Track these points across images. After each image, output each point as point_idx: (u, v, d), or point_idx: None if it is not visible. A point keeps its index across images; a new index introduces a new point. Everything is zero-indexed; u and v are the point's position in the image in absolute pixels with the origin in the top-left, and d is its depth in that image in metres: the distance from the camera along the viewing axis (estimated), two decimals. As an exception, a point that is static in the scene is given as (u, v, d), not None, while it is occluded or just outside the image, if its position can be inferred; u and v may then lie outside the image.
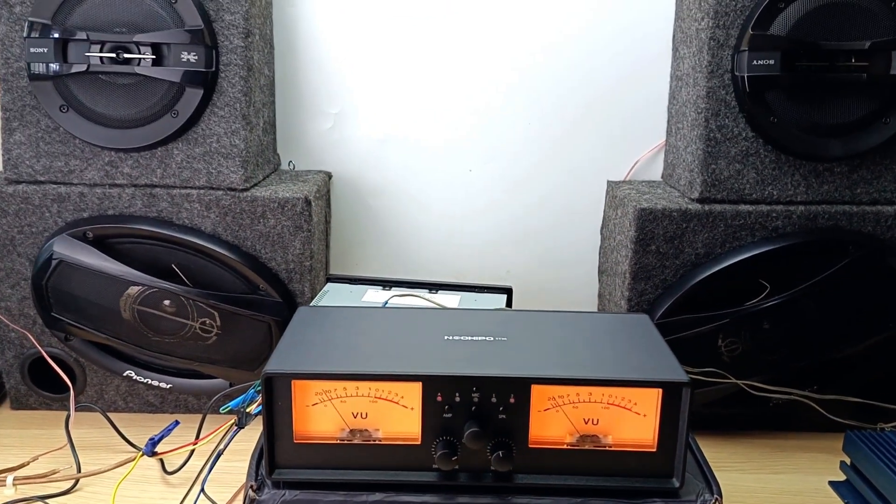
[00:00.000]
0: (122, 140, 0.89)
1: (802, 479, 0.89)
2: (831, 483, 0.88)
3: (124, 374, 0.97)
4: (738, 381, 0.92)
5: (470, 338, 0.69)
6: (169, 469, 0.88)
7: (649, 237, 0.89)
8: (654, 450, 0.63)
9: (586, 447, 0.64)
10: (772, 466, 0.92)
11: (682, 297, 0.91)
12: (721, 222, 0.89)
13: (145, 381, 0.98)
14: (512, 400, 0.62)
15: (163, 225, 0.91)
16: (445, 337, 0.69)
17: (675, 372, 0.63)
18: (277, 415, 0.63)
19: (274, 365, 0.63)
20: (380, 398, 0.63)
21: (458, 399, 0.62)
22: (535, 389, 0.62)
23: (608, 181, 1.03)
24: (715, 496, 0.63)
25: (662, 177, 1.04)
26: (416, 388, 0.62)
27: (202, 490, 0.70)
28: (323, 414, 0.64)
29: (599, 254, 1.07)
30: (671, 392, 0.62)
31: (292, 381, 0.62)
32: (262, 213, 0.91)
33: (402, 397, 0.63)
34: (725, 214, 0.88)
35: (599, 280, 1.07)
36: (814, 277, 0.89)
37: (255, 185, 0.93)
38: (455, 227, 1.09)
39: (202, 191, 0.90)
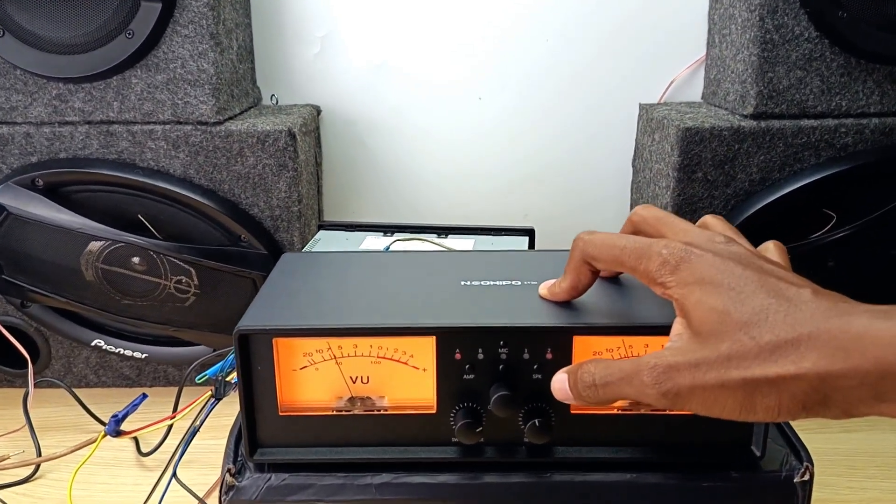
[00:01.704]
0: (69, 68, 0.76)
1: (879, 437, 0.78)
2: (913, 441, 0.76)
3: (93, 344, 0.86)
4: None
5: (492, 283, 0.56)
6: (144, 450, 0.76)
7: (695, 163, 0.76)
8: (728, 411, 0.51)
9: (641, 412, 0.51)
10: (841, 425, 0.80)
11: (733, 232, 0.77)
12: (780, 141, 0.75)
13: (117, 350, 0.86)
14: (549, 356, 0.50)
15: (124, 168, 0.79)
16: (462, 282, 0.57)
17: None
18: (257, 382, 0.51)
19: (250, 320, 0.50)
20: (384, 358, 0.51)
21: (481, 356, 0.50)
22: (579, 342, 0.50)
23: (640, 104, 0.90)
24: (805, 464, 0.51)
25: (703, 97, 0.90)
26: (429, 343, 0.50)
27: (174, 475, 0.58)
28: (314, 379, 0.52)
29: (631, 190, 0.94)
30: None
31: (274, 340, 0.50)
32: (240, 151, 0.77)
33: (412, 356, 0.51)
34: (785, 132, 0.75)
35: (631, 220, 0.94)
36: (888, 204, 0.76)
37: (230, 118, 0.80)
38: (464, 166, 0.96)
39: (168, 126, 0.77)
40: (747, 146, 0.76)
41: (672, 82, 0.91)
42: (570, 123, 0.94)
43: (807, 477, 0.51)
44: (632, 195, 0.94)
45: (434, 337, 0.50)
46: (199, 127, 0.77)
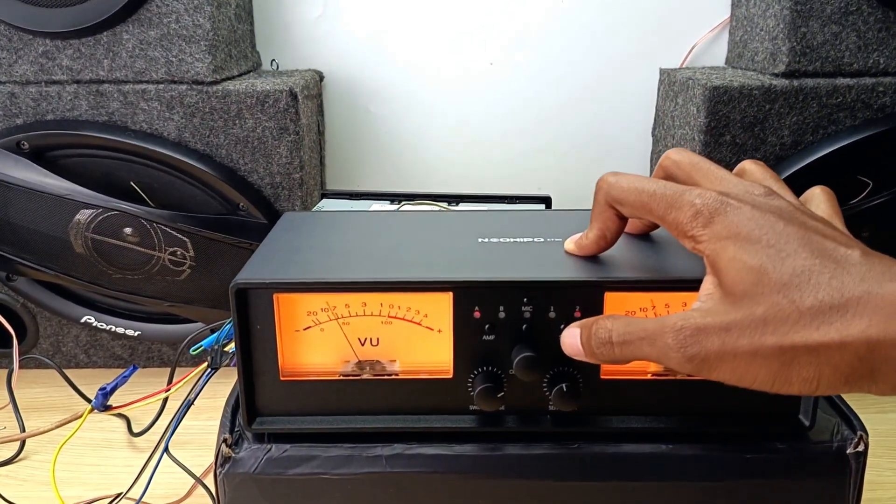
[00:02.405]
0: (56, 22, 0.71)
1: (918, 417, 0.73)
2: (956, 421, 0.72)
3: (83, 321, 0.81)
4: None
5: (512, 239, 0.52)
6: (136, 430, 0.72)
7: (723, 124, 0.71)
8: (773, 376, 0.46)
9: (677, 377, 0.47)
10: (879, 405, 0.75)
11: (762, 200, 0.73)
12: (814, 101, 0.71)
13: (109, 328, 0.81)
14: (578, 314, 0.45)
15: (115, 131, 0.74)
16: (480, 240, 0.52)
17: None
18: (257, 344, 0.47)
19: (249, 273, 0.46)
20: (396, 318, 0.47)
21: (502, 315, 0.46)
22: (610, 298, 0.45)
23: (661, 69, 0.85)
24: (859, 433, 0.47)
25: (727, 61, 0.86)
26: (446, 300, 0.46)
27: (165, 449, 0.54)
28: (318, 341, 0.47)
29: (651, 160, 0.90)
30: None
31: (275, 296, 0.46)
32: (238, 112, 0.73)
33: (427, 315, 0.46)
34: (819, 91, 0.70)
35: (651, 192, 0.90)
36: (928, 169, 0.72)
37: (228, 79, 0.75)
38: (474, 135, 0.91)
39: (161, 85, 0.73)
40: (779, 107, 0.71)
41: (694, 47, 0.87)
42: (587, 90, 0.89)
43: (861, 448, 0.46)
44: (652, 165, 0.89)
45: (451, 293, 0.46)
46: (194, 86, 0.73)
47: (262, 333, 0.46)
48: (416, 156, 0.92)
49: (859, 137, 0.71)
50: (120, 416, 0.74)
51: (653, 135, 0.88)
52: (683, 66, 0.87)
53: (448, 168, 0.92)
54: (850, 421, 0.48)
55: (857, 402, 0.75)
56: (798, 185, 0.73)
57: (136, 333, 0.81)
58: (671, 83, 0.81)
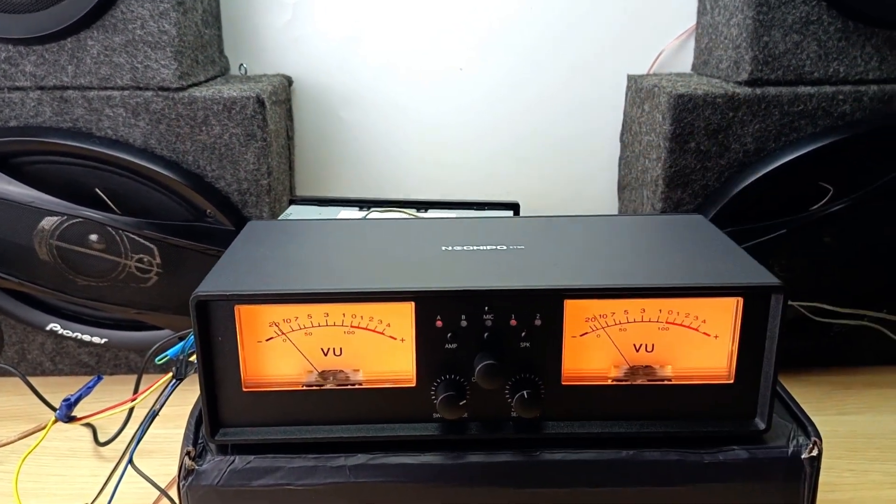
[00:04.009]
0: (18, 27, 0.70)
1: (876, 419, 0.75)
2: (913, 422, 0.73)
3: (48, 329, 0.80)
4: (797, 304, 0.76)
5: (475, 247, 0.52)
6: (102, 439, 0.71)
7: (688, 132, 0.72)
8: (730, 382, 0.47)
9: (638, 382, 0.47)
10: (839, 407, 0.77)
11: (726, 205, 0.74)
12: (776, 109, 0.72)
13: (75, 335, 0.80)
14: (538, 322, 0.46)
15: (80, 138, 0.73)
16: (443, 248, 0.52)
17: (759, 274, 0.47)
18: (218, 356, 0.47)
19: (209, 285, 0.46)
20: (358, 327, 0.47)
21: (464, 323, 0.46)
22: (570, 306, 0.46)
23: (628, 75, 0.86)
24: (813, 439, 0.47)
25: (693, 68, 0.87)
26: (408, 310, 0.46)
27: (129, 461, 0.53)
28: (281, 352, 0.47)
29: (619, 165, 0.90)
30: (755, 301, 0.46)
31: (236, 307, 0.46)
32: (205, 119, 0.72)
33: (389, 325, 0.47)
34: (781, 99, 0.72)
35: (620, 197, 0.90)
36: (887, 175, 0.73)
37: (194, 85, 0.75)
38: (444, 141, 0.91)
39: (126, 92, 0.72)
40: (742, 114, 0.72)
41: (661, 53, 0.88)
42: (556, 96, 0.90)
43: (815, 453, 0.47)
44: (620, 171, 0.90)
45: (413, 303, 0.46)
46: (160, 93, 0.72)
47: (224, 345, 0.46)
48: (387, 161, 0.92)
49: (820, 145, 0.72)
50: (86, 425, 0.73)
51: (621, 140, 0.89)
52: (650, 72, 0.88)
53: (418, 174, 0.92)
54: (805, 427, 0.48)
55: (817, 406, 0.77)
56: (761, 192, 0.74)
57: (103, 341, 0.80)
58: (638, 90, 0.82)
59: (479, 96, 0.90)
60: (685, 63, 0.88)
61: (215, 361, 0.47)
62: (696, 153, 0.73)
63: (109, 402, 0.59)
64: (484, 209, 0.76)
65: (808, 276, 0.77)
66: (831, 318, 0.77)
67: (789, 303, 0.75)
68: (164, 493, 0.59)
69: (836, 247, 0.76)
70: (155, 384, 0.55)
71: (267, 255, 0.51)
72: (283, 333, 0.47)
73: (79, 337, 0.80)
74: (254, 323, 0.46)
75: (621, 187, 0.90)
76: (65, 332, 0.80)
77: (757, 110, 0.72)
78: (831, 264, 0.77)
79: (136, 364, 0.83)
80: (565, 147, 0.91)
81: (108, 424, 0.72)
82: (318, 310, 0.46)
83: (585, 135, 0.91)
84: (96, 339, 0.80)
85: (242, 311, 0.46)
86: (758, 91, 0.72)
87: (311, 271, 0.49)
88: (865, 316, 0.77)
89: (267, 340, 0.47)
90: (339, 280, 0.47)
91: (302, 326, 0.47)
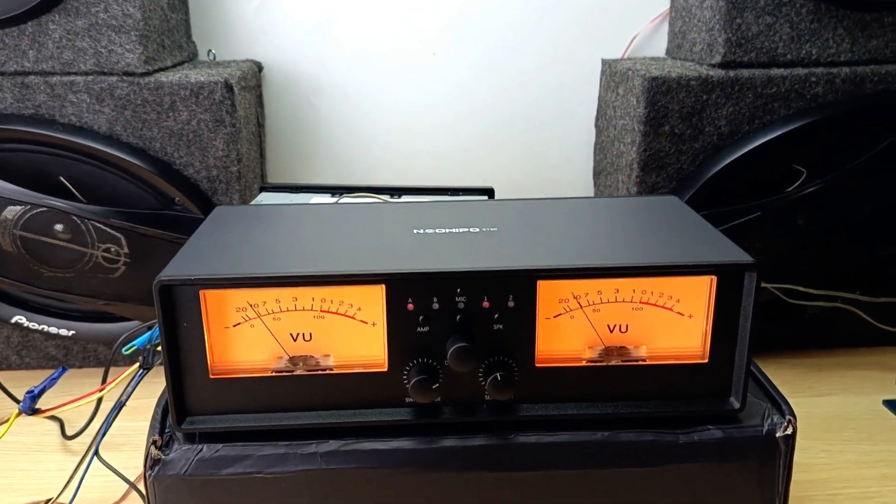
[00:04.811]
0: (-24, 11, 0.68)
1: (852, 400, 0.75)
2: (887, 402, 0.74)
3: (13, 321, 0.78)
4: (771, 286, 0.76)
5: (447, 230, 0.51)
6: (70, 433, 0.69)
7: (662, 115, 0.72)
8: (705, 361, 0.47)
9: (612, 363, 0.47)
10: (814, 389, 0.77)
11: (701, 188, 0.74)
12: (749, 91, 0.72)
13: (41, 328, 0.78)
14: (511, 303, 0.45)
15: (43, 125, 0.71)
16: (415, 231, 0.51)
17: (732, 252, 0.46)
18: (184, 342, 0.45)
19: (174, 270, 0.44)
20: (328, 312, 0.46)
21: (436, 306, 0.45)
22: (543, 287, 0.45)
23: (602, 60, 0.86)
24: (787, 417, 0.47)
25: (667, 52, 0.87)
26: (378, 293, 0.45)
27: (95, 452, 0.52)
28: (249, 338, 0.46)
29: (595, 151, 0.90)
30: (729, 279, 0.45)
31: (201, 292, 0.44)
32: (171, 105, 0.71)
33: (360, 309, 0.46)
34: (755, 81, 0.72)
35: (595, 183, 0.90)
36: (860, 157, 0.73)
37: (161, 70, 0.73)
38: (418, 127, 0.90)
39: (90, 77, 0.70)
40: (716, 97, 0.72)
41: (635, 38, 0.87)
42: (530, 82, 0.89)
43: (789, 431, 0.47)
44: (595, 156, 0.90)
45: (383, 285, 0.45)
46: (125, 78, 0.70)
47: (190, 331, 0.45)
48: (360, 148, 0.91)
49: (793, 127, 0.72)
50: (53, 419, 0.72)
51: (596, 125, 0.89)
52: (625, 56, 0.88)
53: (392, 160, 0.91)
54: (780, 406, 0.48)
55: (793, 388, 0.77)
56: (736, 175, 0.74)
57: (70, 333, 0.79)
58: (612, 74, 0.81)
59: (452, 82, 0.89)
60: (659, 47, 0.88)
61: (181, 348, 0.45)
62: (670, 136, 0.73)
63: (77, 394, 0.58)
64: (458, 195, 0.75)
65: (782, 258, 0.77)
66: (806, 301, 0.77)
67: (763, 285, 0.76)
68: (131, 484, 0.58)
69: (810, 229, 0.76)
70: (121, 375, 0.54)
71: (233, 240, 0.50)
72: (250, 319, 0.46)
73: (45, 329, 0.78)
74: (220, 308, 0.45)
75: (596, 173, 0.89)
76: (31, 325, 0.78)
77: (730, 93, 0.72)
78: (806, 246, 0.77)
79: (105, 357, 0.81)
80: (540, 133, 0.91)
81: (75, 418, 0.71)
82: (286, 294, 0.45)
83: (560, 120, 0.90)
84: (63, 332, 0.78)
85: (208, 296, 0.44)
86: (731, 73, 0.72)
87: (278, 255, 0.47)
88: (840, 298, 0.77)
89: (234, 326, 0.46)
90: (308, 263, 0.46)
91: (270, 311, 0.45)
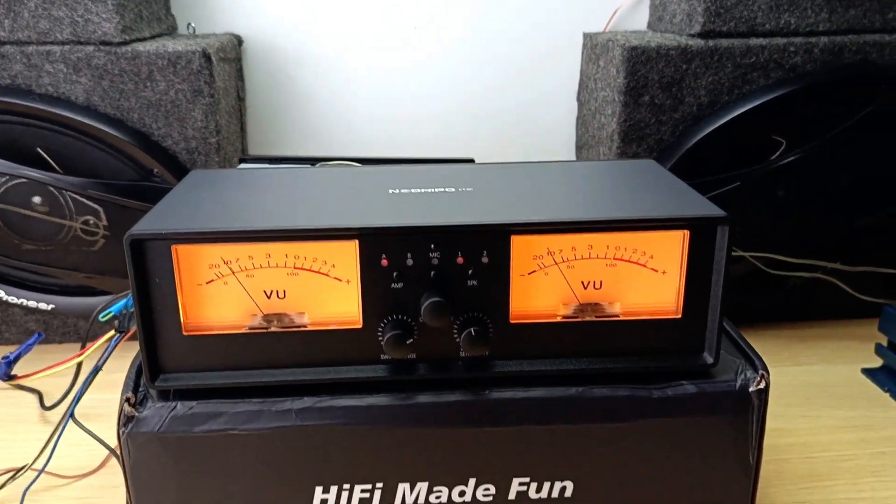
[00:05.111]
0: (-50, -22, 0.67)
1: (830, 369, 0.75)
2: (865, 371, 0.74)
3: (-8, 295, 0.77)
4: (749, 254, 0.76)
5: (423, 190, 0.51)
6: (48, 404, 0.69)
7: (642, 85, 0.72)
8: (678, 317, 0.47)
9: (586, 319, 0.47)
10: (793, 359, 0.78)
11: (680, 159, 0.74)
12: (728, 61, 0.72)
13: (20, 302, 0.78)
14: (485, 259, 0.45)
15: (19, 94, 0.71)
16: (390, 191, 0.51)
17: (706, 207, 0.47)
18: (157, 299, 0.45)
19: (145, 224, 0.44)
20: (302, 269, 0.46)
21: (410, 262, 0.45)
22: (517, 243, 0.45)
23: (584, 33, 0.86)
24: (760, 372, 0.47)
25: (648, 25, 0.87)
26: (351, 249, 0.45)
27: (71, 415, 0.52)
28: (222, 295, 0.46)
29: (577, 125, 0.90)
30: (702, 233, 0.45)
31: (173, 248, 0.44)
32: (149, 75, 0.70)
33: (333, 266, 0.46)
34: (734, 51, 0.72)
35: (578, 157, 0.90)
36: (838, 127, 0.74)
37: (139, 40, 0.73)
38: (399, 101, 0.90)
39: (67, 47, 0.70)
40: (695, 66, 0.72)
41: (616, 11, 0.87)
42: (511, 54, 0.89)
43: (762, 385, 0.47)
44: (577, 130, 0.90)
45: (356, 241, 0.45)
46: (102, 48, 0.70)
47: (162, 287, 0.45)
48: (341, 122, 0.90)
49: (772, 96, 0.73)
50: (32, 391, 0.71)
51: (578, 99, 0.89)
52: (606, 30, 0.88)
53: (373, 133, 0.91)
54: (753, 361, 0.49)
55: (773, 357, 0.78)
56: (716, 145, 0.74)
57: (50, 307, 0.78)
58: (593, 46, 0.81)
59: (434, 56, 0.89)
60: (641, 21, 0.88)
61: (154, 305, 0.45)
62: (650, 107, 0.73)
63: (47, 358, 0.57)
64: (439, 165, 0.75)
65: (762, 229, 0.77)
66: (785, 271, 0.78)
67: (742, 253, 0.76)
68: (107, 447, 0.58)
69: (789, 199, 0.76)
70: (99, 341, 0.53)
71: (207, 199, 0.50)
72: (223, 276, 0.45)
73: (25, 304, 0.78)
74: (192, 264, 0.45)
75: (579, 147, 0.89)
76: (9, 299, 0.77)
77: (710, 62, 0.72)
78: (786, 217, 0.77)
79: (85, 332, 0.81)
80: (522, 107, 0.91)
81: (54, 390, 0.70)
82: (259, 250, 0.45)
83: (542, 94, 0.90)
84: (42, 306, 0.78)
85: (180, 252, 0.44)
86: (710, 43, 0.72)
87: (252, 211, 0.47)
88: (819, 268, 0.78)
89: (207, 283, 0.45)
90: (282, 219, 0.45)
91: (244, 268, 0.45)
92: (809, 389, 0.72)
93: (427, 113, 0.90)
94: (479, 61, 0.89)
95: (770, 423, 0.64)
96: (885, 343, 0.73)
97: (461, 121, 0.91)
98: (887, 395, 0.70)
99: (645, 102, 0.73)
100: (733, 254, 0.75)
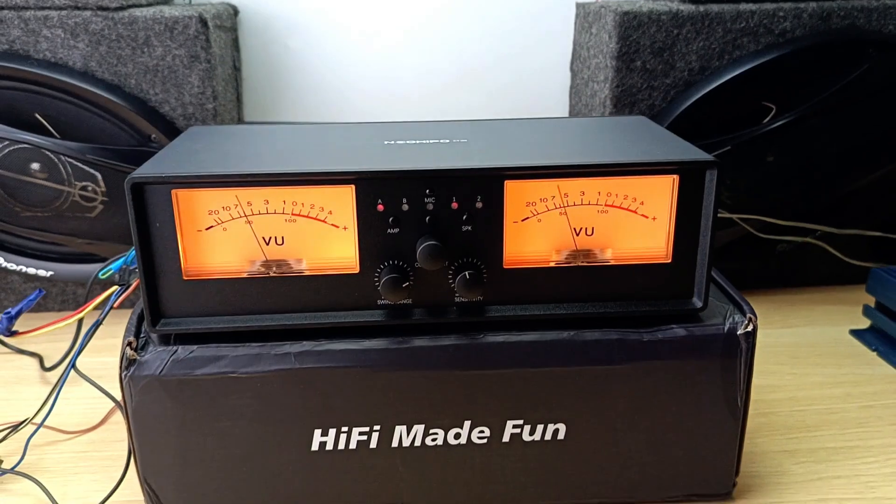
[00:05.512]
0: (-53, -58, 0.67)
1: (819, 331, 0.77)
2: (853, 332, 0.75)
3: (-9, 262, 0.78)
4: (737, 216, 0.77)
5: (417, 141, 0.52)
6: (48, 365, 0.70)
7: (633, 50, 0.73)
8: (668, 261, 0.48)
9: (578, 264, 0.48)
10: (783, 321, 0.79)
11: (672, 124, 0.75)
12: (719, 26, 0.73)
13: (19, 269, 0.78)
14: (479, 204, 0.46)
15: (17, 59, 0.71)
16: (385, 142, 0.52)
17: (694, 152, 0.48)
18: (157, 243, 0.46)
19: (146, 169, 0.45)
20: (299, 215, 0.47)
21: (405, 207, 0.46)
22: (511, 188, 0.46)
23: (577, 3, 0.86)
24: (748, 315, 0.49)
25: (640, -4, 0.87)
26: (348, 194, 0.46)
27: (72, 365, 0.52)
28: (222, 241, 0.47)
29: (570, 95, 0.91)
30: (691, 178, 0.47)
31: (173, 192, 0.45)
32: (146, 40, 0.71)
33: (331, 212, 0.47)
34: (724, 16, 0.73)
35: (570, 127, 0.91)
36: (827, 91, 0.75)
37: (136, 6, 0.73)
38: (393, 70, 0.91)
39: (64, 12, 0.70)
40: (686, 31, 0.73)
41: (609, -18, 0.88)
42: (505, 23, 0.89)
43: (750, 328, 0.48)
44: (570, 100, 0.91)
45: (353, 186, 0.46)
46: (99, 13, 0.70)
47: (163, 231, 0.46)
48: (336, 91, 0.91)
49: (762, 61, 0.74)
50: (32, 354, 0.72)
51: (571, 69, 0.90)
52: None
53: (367, 103, 0.91)
54: (741, 306, 0.50)
55: (764, 320, 0.79)
56: (706, 111, 0.75)
57: (49, 274, 0.79)
58: (586, 15, 0.82)
59: (429, 26, 0.89)
60: (633, -8, 0.88)
61: (154, 250, 0.46)
62: (642, 72, 0.74)
63: (55, 331, 0.58)
64: (434, 132, 0.76)
65: (752, 193, 0.78)
66: (776, 235, 0.79)
67: (731, 215, 0.77)
68: (108, 395, 0.59)
69: (779, 163, 0.78)
70: (99, 298, 0.54)
71: (207, 148, 0.51)
72: (222, 222, 0.46)
73: (23, 270, 0.78)
74: (192, 211, 0.46)
75: (572, 116, 0.90)
76: (8, 266, 0.78)
77: (700, 27, 0.73)
78: (776, 182, 0.78)
79: (84, 298, 0.81)
80: (517, 75, 0.91)
81: (54, 353, 0.71)
82: (257, 196, 0.46)
83: (537, 64, 0.91)
84: (42, 272, 0.78)
85: (180, 196, 0.45)
86: (701, 8, 0.73)
87: (250, 158, 0.48)
88: (809, 232, 0.79)
89: (207, 229, 0.46)
90: (280, 164, 0.46)
91: (242, 214, 0.46)
92: (798, 349, 0.73)
93: (421, 83, 0.91)
94: (474, 30, 0.90)
95: (758, 380, 0.66)
96: (872, 304, 0.74)
97: (456, 90, 0.92)
98: (874, 353, 0.72)
99: (637, 68, 0.74)
100: (722, 215, 0.77)
